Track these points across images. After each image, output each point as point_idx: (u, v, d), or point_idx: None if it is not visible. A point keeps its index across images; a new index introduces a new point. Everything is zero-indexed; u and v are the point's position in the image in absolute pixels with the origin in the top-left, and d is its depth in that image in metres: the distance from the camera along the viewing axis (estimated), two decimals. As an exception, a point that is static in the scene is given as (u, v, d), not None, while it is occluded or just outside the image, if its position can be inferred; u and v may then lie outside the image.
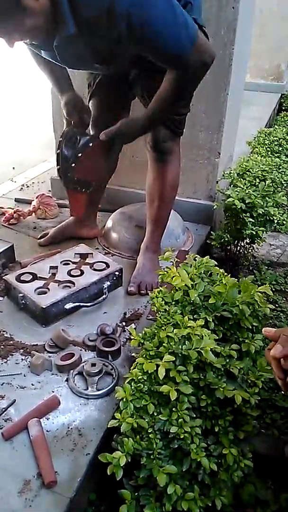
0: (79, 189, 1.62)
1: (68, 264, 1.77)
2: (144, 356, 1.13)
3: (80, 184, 1.59)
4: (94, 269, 1.74)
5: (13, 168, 3.08)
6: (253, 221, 1.95)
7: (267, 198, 2.01)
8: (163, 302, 1.25)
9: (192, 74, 1.37)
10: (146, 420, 1.04)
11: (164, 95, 1.42)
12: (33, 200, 2.35)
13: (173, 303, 1.25)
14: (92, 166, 1.58)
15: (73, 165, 1.52)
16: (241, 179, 2.11)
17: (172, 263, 1.35)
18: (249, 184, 2.08)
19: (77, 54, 1.38)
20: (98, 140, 1.51)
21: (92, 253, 1.84)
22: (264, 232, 1.99)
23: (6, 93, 5.21)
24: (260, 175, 2.14)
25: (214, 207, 2.17)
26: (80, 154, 1.50)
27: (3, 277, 1.69)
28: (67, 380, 1.37)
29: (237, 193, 1.96)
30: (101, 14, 1.18)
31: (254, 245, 2.16)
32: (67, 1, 1.17)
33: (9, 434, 1.19)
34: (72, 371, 1.38)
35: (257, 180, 2.11)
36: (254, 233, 1.95)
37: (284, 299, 2.14)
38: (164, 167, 1.75)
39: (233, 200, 1.92)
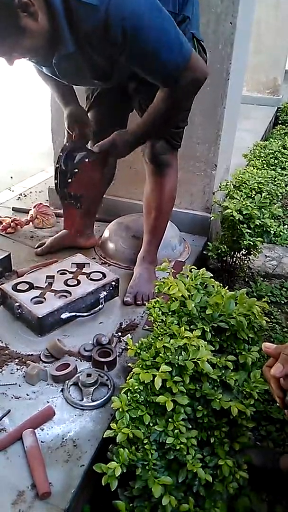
0: (74, 204, 1.63)
1: (65, 273, 1.77)
2: (140, 366, 1.13)
3: (75, 200, 1.61)
4: (91, 279, 1.74)
5: (11, 177, 3.09)
6: (250, 232, 1.97)
7: (263, 209, 2.03)
8: (160, 312, 1.25)
9: (184, 92, 1.38)
10: (142, 430, 1.04)
11: (157, 111, 1.43)
12: (31, 210, 2.35)
13: (170, 313, 1.25)
14: (88, 181, 1.60)
15: (70, 180, 1.53)
16: (238, 191, 2.13)
17: (168, 273, 1.36)
18: (245, 196, 2.10)
19: (76, 71, 1.40)
20: (94, 155, 1.53)
21: (88, 263, 1.84)
22: (261, 243, 2.00)
23: (5, 102, 5.24)
24: (256, 187, 2.17)
25: (212, 218, 2.18)
26: (76, 170, 1.52)
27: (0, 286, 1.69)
28: (62, 390, 1.36)
29: (234, 204, 1.98)
30: (98, 28, 1.18)
31: (250, 257, 2.17)
32: (65, 20, 1.18)
33: (3, 445, 1.18)
34: (67, 381, 1.37)
35: (253, 192, 2.13)
36: (252, 244, 1.96)
37: (279, 311, 2.15)
38: (162, 179, 1.77)
39: (231, 212, 1.93)
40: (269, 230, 2.00)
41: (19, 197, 2.74)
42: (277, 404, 0.96)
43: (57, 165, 1.56)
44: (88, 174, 1.57)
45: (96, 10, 1.14)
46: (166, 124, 1.53)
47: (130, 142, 1.53)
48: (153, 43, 1.22)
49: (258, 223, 1.96)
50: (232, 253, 2.13)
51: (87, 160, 1.53)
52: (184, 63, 1.28)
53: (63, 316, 1.59)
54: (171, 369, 1.07)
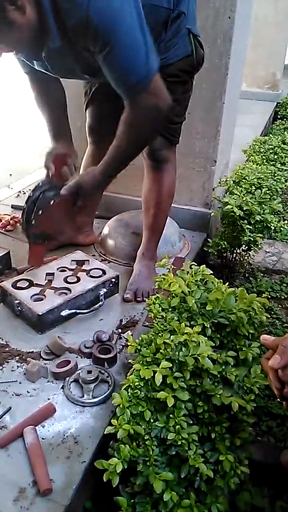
0: (40, 242, 1.60)
1: (65, 271, 1.77)
2: (141, 362, 1.13)
3: (42, 237, 1.58)
4: (91, 276, 1.74)
5: (10, 174, 3.09)
6: (251, 228, 1.96)
7: (263, 205, 2.02)
8: (160, 308, 1.25)
9: (143, 114, 1.34)
10: (143, 426, 1.04)
11: (119, 139, 1.39)
12: (30, 207, 2.35)
13: (170, 309, 1.25)
14: (55, 220, 1.55)
15: (33, 222, 1.49)
16: (237, 187, 2.13)
17: (168, 270, 1.36)
18: (245, 191, 2.09)
19: (66, 66, 1.39)
20: (60, 197, 1.48)
21: (88, 260, 1.84)
22: (261, 239, 2.00)
23: (4, 99, 5.23)
24: (256, 183, 2.16)
25: (212, 214, 2.18)
26: (40, 212, 1.48)
27: (-1, 284, 1.69)
28: (63, 387, 1.36)
29: (235, 200, 1.97)
30: (80, 24, 1.17)
31: (250, 252, 2.17)
32: (52, 13, 1.17)
33: (5, 442, 1.18)
34: (68, 378, 1.38)
35: (253, 188, 2.13)
36: (252, 239, 1.96)
37: (279, 306, 2.15)
38: (160, 175, 1.76)
39: (231, 207, 1.93)
40: (269, 225, 2.00)
41: (18, 195, 2.74)
42: (277, 398, 0.96)
43: (24, 205, 1.52)
44: (55, 215, 1.51)
45: (79, 7, 1.14)
46: (128, 156, 1.47)
47: (97, 181, 1.46)
48: (120, 53, 1.22)
49: (258, 219, 1.96)
50: (232, 249, 2.12)
51: (51, 202, 1.48)
52: (143, 84, 1.27)
53: (63, 313, 1.59)
54: (171, 365, 1.07)
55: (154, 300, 1.27)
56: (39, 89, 1.66)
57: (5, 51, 1.25)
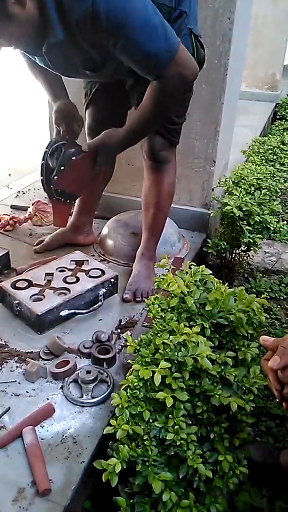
0: (63, 200, 1.58)
1: (64, 271, 1.77)
2: (140, 362, 1.13)
3: (63, 196, 1.56)
4: (90, 276, 1.74)
5: (9, 174, 3.09)
6: (250, 228, 1.97)
7: (262, 206, 2.02)
8: (159, 309, 1.25)
9: (170, 88, 1.35)
10: (142, 427, 1.04)
11: (145, 108, 1.41)
12: (29, 207, 2.35)
13: (169, 310, 1.25)
14: (76, 179, 1.54)
15: (55, 178, 1.48)
16: (237, 187, 2.13)
17: (167, 270, 1.36)
18: (244, 192, 2.09)
19: (67, 61, 1.38)
20: (82, 153, 1.48)
21: (87, 260, 1.84)
22: (261, 240, 2.00)
23: (3, 99, 5.23)
24: (255, 183, 2.16)
25: (211, 215, 2.18)
26: (62, 167, 1.47)
27: (-1, 284, 1.69)
28: (62, 387, 1.36)
29: (234, 201, 1.97)
30: (86, 17, 1.17)
31: (249, 253, 2.17)
32: (54, 7, 1.17)
33: (3, 442, 1.18)
34: (67, 378, 1.38)
35: (252, 188, 2.13)
36: (251, 240, 1.96)
37: (278, 306, 2.15)
38: (160, 175, 1.76)
39: (231, 208, 1.93)
40: (269, 226, 2.00)
41: (18, 195, 2.74)
42: (276, 399, 0.96)
43: (42, 161, 1.50)
44: (76, 173, 1.51)
45: (82, 0, 1.13)
46: (157, 121, 1.51)
47: (121, 141, 1.49)
48: (139, 33, 1.21)
49: (258, 220, 1.96)
50: (231, 249, 2.12)
51: (74, 158, 1.47)
52: (169, 55, 1.26)
53: (62, 313, 1.59)
54: (170, 365, 1.08)
55: (153, 300, 1.27)
56: (30, 61, 1.64)
57: (5, 45, 1.25)
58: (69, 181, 1.52)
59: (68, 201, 1.60)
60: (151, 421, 1.06)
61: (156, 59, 1.27)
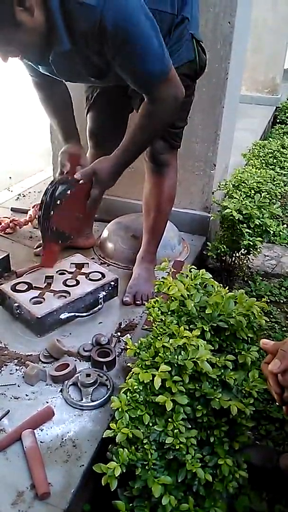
0: (57, 240, 1.61)
1: (64, 274, 1.77)
2: (140, 366, 1.13)
3: (58, 236, 1.59)
4: (90, 279, 1.74)
5: (10, 177, 3.09)
6: (250, 232, 1.97)
7: (262, 209, 2.03)
8: (159, 312, 1.25)
9: (163, 106, 1.39)
10: (142, 430, 1.04)
11: (139, 128, 1.44)
12: (29, 210, 2.35)
13: (169, 313, 1.25)
14: (70, 215, 1.57)
15: (51, 213, 1.50)
16: (237, 191, 2.13)
17: (168, 273, 1.36)
18: (244, 195, 2.10)
19: (72, 68, 1.40)
20: (77, 185, 1.50)
21: (87, 263, 1.84)
22: (261, 243, 2.00)
23: (4, 102, 5.24)
24: (255, 187, 2.17)
25: (211, 218, 2.18)
26: (58, 202, 1.49)
27: (-1, 287, 1.69)
28: (61, 391, 1.36)
29: (234, 204, 1.98)
30: (93, 29, 1.19)
31: (249, 256, 2.17)
32: (61, 17, 1.18)
33: (3, 445, 1.18)
34: (66, 381, 1.37)
35: (252, 192, 2.13)
36: (251, 243, 1.96)
37: (278, 310, 2.15)
38: (161, 179, 1.77)
39: (231, 211, 1.93)
40: (269, 229, 2.00)
41: (18, 197, 2.74)
42: (276, 402, 0.96)
43: (43, 198, 1.54)
44: (70, 207, 1.53)
45: (93, 11, 1.15)
46: (148, 142, 1.53)
47: (113, 167, 1.49)
48: (139, 50, 1.26)
49: (257, 223, 1.96)
50: (231, 252, 2.13)
51: (69, 192, 1.50)
52: (162, 74, 1.32)
53: (62, 316, 1.59)
54: (170, 368, 1.07)
55: (154, 304, 1.27)
56: (44, 93, 1.68)
57: (13, 55, 1.26)
58: (65, 217, 1.55)
59: (61, 241, 1.64)
60: (150, 424, 1.05)
61: (151, 76, 1.31)
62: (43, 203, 1.53)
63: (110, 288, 1.74)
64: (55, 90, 1.67)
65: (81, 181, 1.50)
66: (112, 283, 1.75)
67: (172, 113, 1.44)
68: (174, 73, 1.34)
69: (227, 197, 2.15)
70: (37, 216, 1.57)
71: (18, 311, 1.60)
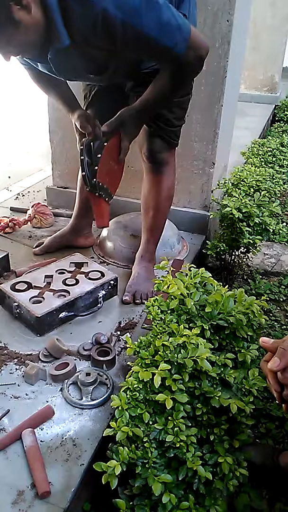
0: (103, 196, 1.64)
1: (63, 273, 1.77)
2: (139, 364, 1.13)
3: (103, 191, 1.62)
4: (89, 278, 1.74)
5: (9, 177, 3.09)
6: (250, 230, 1.97)
7: (262, 207, 2.03)
8: (159, 310, 1.25)
9: (188, 69, 1.38)
10: (142, 429, 1.04)
11: (162, 84, 1.43)
12: (29, 209, 2.35)
13: (169, 311, 1.25)
14: (110, 168, 1.62)
15: (96, 168, 1.55)
16: (236, 189, 2.13)
17: (167, 272, 1.36)
18: (244, 194, 2.09)
19: (71, 66, 1.39)
20: (110, 137, 1.55)
21: (87, 262, 1.84)
22: (260, 241, 2.00)
23: (2, 101, 5.23)
24: (254, 185, 2.16)
25: (210, 216, 2.18)
26: (99, 155, 1.54)
27: (-2, 286, 1.69)
28: (61, 390, 1.36)
29: (234, 202, 1.98)
30: (96, 24, 1.18)
31: (249, 255, 2.17)
32: (60, 14, 1.18)
33: (3, 444, 1.18)
34: (66, 380, 1.37)
35: (252, 190, 2.13)
36: (251, 242, 1.96)
37: (278, 308, 2.15)
38: (160, 177, 1.76)
39: (231, 210, 1.93)
40: (268, 228, 2.00)
41: (17, 197, 2.74)
42: (276, 400, 0.96)
43: (81, 157, 1.57)
44: (109, 159, 1.59)
45: (93, 6, 1.14)
46: (171, 97, 1.55)
47: (137, 115, 1.52)
48: (156, 32, 1.23)
49: (257, 221, 1.96)
50: (231, 251, 2.13)
51: (105, 143, 1.55)
52: (185, 42, 1.29)
53: (62, 315, 1.59)
54: (170, 367, 1.07)
55: (153, 302, 1.27)
56: (40, 79, 1.66)
57: (13, 54, 1.26)
58: (105, 170, 1.59)
59: (107, 199, 1.66)
60: (150, 423, 1.06)
61: (174, 50, 1.29)
62: (83, 162, 1.57)
63: (109, 287, 1.74)
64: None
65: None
66: (112, 282, 1.75)
67: (196, 72, 1.43)
68: (194, 33, 1.31)
69: (226, 195, 2.15)
70: (81, 175, 1.61)
71: (17, 310, 1.60)
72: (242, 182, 2.19)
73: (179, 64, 1.35)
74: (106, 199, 1.66)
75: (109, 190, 1.65)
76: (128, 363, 1.22)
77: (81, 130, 1.65)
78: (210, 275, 1.35)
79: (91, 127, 1.63)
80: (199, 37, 1.34)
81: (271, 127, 4.87)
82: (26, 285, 1.68)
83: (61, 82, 1.68)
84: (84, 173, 1.58)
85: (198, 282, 1.31)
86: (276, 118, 5.16)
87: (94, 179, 1.57)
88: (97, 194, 1.61)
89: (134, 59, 1.49)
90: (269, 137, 4.15)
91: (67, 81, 1.66)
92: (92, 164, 1.55)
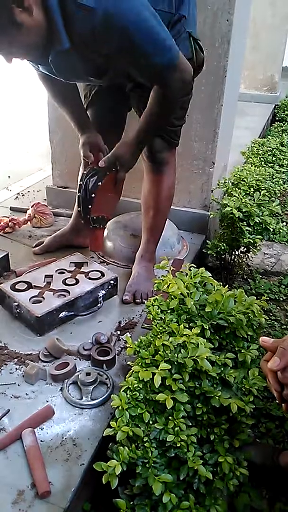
0: (98, 227, 1.69)
1: (63, 273, 1.77)
2: (139, 364, 1.13)
3: (98, 222, 1.67)
4: (89, 278, 1.74)
5: (9, 176, 3.09)
6: (250, 229, 1.97)
7: (262, 207, 2.03)
8: (159, 310, 1.25)
9: (173, 91, 1.41)
10: (142, 428, 1.04)
11: (152, 112, 1.47)
12: (29, 209, 2.35)
13: (169, 311, 1.25)
14: (105, 202, 1.66)
15: (90, 206, 1.60)
16: (236, 189, 2.13)
17: (167, 271, 1.36)
18: (244, 193, 2.09)
19: (71, 68, 1.40)
20: (105, 176, 1.58)
21: (87, 262, 1.84)
22: (260, 241, 2.00)
23: (2, 101, 5.23)
24: (254, 185, 2.16)
25: (211, 216, 2.18)
26: (93, 195, 1.58)
27: (-2, 286, 1.69)
28: (61, 389, 1.36)
29: (234, 202, 1.98)
30: (95, 29, 1.19)
31: (249, 254, 2.17)
32: (61, 16, 1.19)
33: (3, 444, 1.18)
34: (66, 380, 1.37)
35: (252, 190, 2.13)
36: (251, 241, 1.96)
37: (278, 308, 2.15)
38: (160, 177, 1.77)
39: (231, 209, 1.93)
40: (268, 227, 2.00)
41: (17, 197, 2.74)
42: (276, 400, 0.96)
43: (78, 194, 1.63)
44: (103, 194, 1.62)
45: (94, 12, 1.15)
46: (162, 123, 1.58)
47: (132, 149, 1.55)
48: (148, 47, 1.26)
49: (257, 221, 1.96)
50: (231, 250, 2.12)
51: (100, 183, 1.59)
52: (172, 64, 1.33)
53: (62, 315, 1.59)
54: (170, 366, 1.07)
55: (153, 302, 1.27)
56: (52, 88, 1.69)
57: (16, 57, 1.26)
58: (100, 204, 1.63)
59: (102, 226, 1.71)
60: (151, 422, 1.06)
61: (161, 68, 1.33)
62: (80, 199, 1.62)
63: (109, 286, 1.74)
64: (59, 81, 1.68)
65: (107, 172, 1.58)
66: (112, 281, 1.75)
67: (183, 94, 1.47)
68: (182, 58, 1.36)
69: (226, 195, 2.15)
70: (77, 210, 1.68)
71: (17, 310, 1.60)
72: (242, 182, 2.19)
73: (164, 84, 1.39)
74: (101, 226, 1.71)
75: (105, 217, 1.69)
76: (128, 362, 1.22)
77: (84, 159, 1.68)
78: (210, 274, 1.35)
79: (94, 157, 1.67)
80: (186, 62, 1.39)
81: (271, 127, 4.87)
82: (26, 285, 1.68)
83: (75, 96, 1.72)
84: (79, 208, 1.64)
85: (198, 281, 1.31)
86: (276, 118, 5.16)
87: (88, 215, 1.62)
88: (91, 227, 1.66)
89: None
90: (269, 136, 4.15)
91: (68, 81, 1.66)
92: (87, 203, 1.60)
